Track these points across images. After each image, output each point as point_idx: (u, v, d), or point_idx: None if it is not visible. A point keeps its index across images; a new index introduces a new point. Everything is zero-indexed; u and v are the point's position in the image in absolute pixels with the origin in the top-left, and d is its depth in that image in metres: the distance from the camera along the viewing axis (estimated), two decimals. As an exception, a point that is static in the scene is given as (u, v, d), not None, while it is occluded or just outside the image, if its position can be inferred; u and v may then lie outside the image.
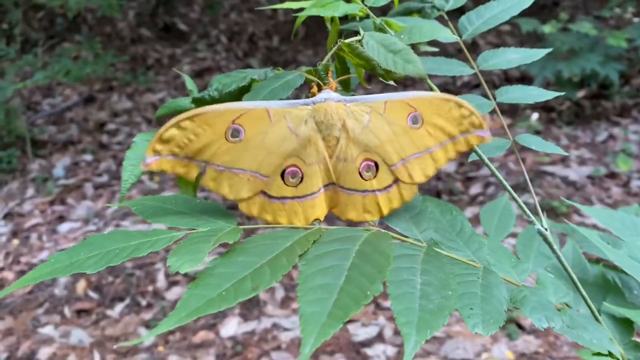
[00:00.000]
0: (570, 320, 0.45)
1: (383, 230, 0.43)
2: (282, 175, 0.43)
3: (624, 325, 0.54)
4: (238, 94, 0.54)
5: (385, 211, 0.44)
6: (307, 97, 0.45)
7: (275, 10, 3.49)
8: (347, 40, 0.45)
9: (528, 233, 0.64)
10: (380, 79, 0.45)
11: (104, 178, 2.59)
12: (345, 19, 0.63)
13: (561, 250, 0.63)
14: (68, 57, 2.85)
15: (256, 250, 0.39)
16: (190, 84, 0.61)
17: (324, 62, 0.45)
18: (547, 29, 2.51)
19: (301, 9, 0.61)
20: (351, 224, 0.45)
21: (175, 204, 0.45)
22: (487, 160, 0.51)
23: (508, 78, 2.85)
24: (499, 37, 3.10)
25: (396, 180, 0.44)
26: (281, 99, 0.48)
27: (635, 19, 2.80)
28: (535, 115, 2.70)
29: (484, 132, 0.44)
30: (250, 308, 1.93)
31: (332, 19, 0.64)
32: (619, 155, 2.50)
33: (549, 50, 0.61)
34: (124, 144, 2.77)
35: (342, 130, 0.43)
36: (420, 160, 0.44)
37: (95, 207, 2.41)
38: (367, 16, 0.62)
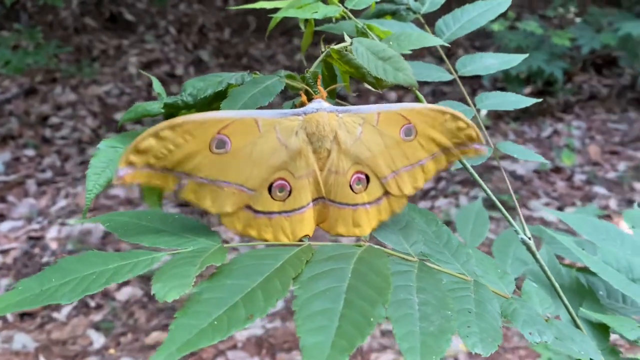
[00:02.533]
0: (557, 332, 0.44)
1: (375, 246, 0.41)
2: (270, 189, 0.40)
3: (600, 330, 0.55)
4: (214, 99, 0.51)
5: (375, 224, 0.42)
6: (295, 106, 0.43)
7: (226, 1, 3.42)
8: (336, 47, 0.43)
9: (504, 238, 0.63)
10: (370, 87, 0.43)
11: (48, 174, 2.47)
12: (320, 19, 0.61)
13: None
14: (6, 46, 2.70)
15: (244, 271, 0.36)
16: (158, 87, 0.57)
17: (312, 69, 0.43)
18: (495, 26, 2.56)
19: (276, 9, 0.58)
20: (339, 239, 0.43)
21: (151, 220, 0.42)
22: (471, 169, 0.50)
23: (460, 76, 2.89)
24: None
25: (386, 193, 0.42)
26: (262, 107, 0.45)
27: (577, 19, 2.89)
28: (484, 112, 2.75)
29: (481, 146, 0.43)
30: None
31: (307, 20, 0.61)
32: (563, 150, 2.58)
33: (526, 55, 0.60)
34: (68, 138, 2.65)
35: (333, 142, 0.40)
36: (411, 173, 0.42)
37: (39, 204, 2.30)
38: (344, 17, 0.60)
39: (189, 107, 0.50)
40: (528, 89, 2.79)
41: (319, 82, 0.42)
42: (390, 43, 0.43)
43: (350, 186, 0.41)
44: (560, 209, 2.37)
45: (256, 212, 0.40)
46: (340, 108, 0.40)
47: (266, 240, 0.41)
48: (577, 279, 0.59)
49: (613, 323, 0.53)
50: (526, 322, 0.43)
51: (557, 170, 2.55)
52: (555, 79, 2.70)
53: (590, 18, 2.79)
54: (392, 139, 0.41)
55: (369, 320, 0.32)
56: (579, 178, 2.50)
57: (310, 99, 0.41)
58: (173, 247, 0.39)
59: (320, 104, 0.40)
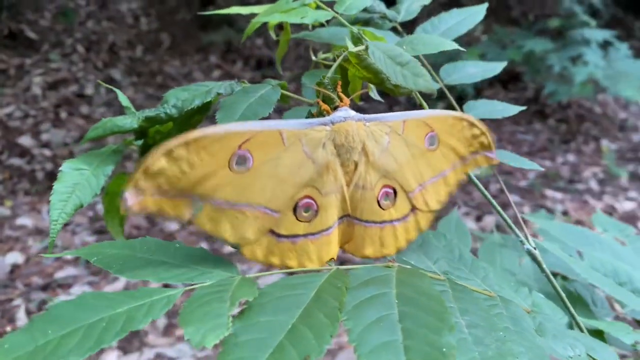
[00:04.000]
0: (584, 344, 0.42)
1: (407, 266, 0.38)
2: (294, 210, 0.35)
3: (595, 337, 0.54)
4: (198, 112, 0.46)
5: (403, 244, 0.39)
6: (313, 115, 0.38)
7: (137, 18, 3.28)
8: (354, 50, 0.39)
9: (487, 249, 0.62)
10: (389, 93, 0.40)
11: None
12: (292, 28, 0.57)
13: (521, 264, 0.62)
14: None
15: (278, 305, 0.31)
16: (124, 100, 0.50)
17: (329, 74, 0.39)
18: (411, 44, 2.63)
19: (254, 15, 0.54)
20: (365, 261, 0.38)
21: (148, 251, 0.36)
22: (475, 180, 0.48)
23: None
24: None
25: (413, 209, 0.39)
26: (263, 118, 0.40)
27: (484, 37, 3.05)
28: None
29: (492, 154, 0.41)
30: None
31: (281, 27, 0.57)
32: (478, 161, 2.68)
33: (505, 63, 0.59)
34: (-35, 165, 2.40)
35: (361, 154, 0.36)
36: (436, 185, 0.39)
37: None
38: (322, 25, 0.56)
39: (174, 120, 0.44)
40: (442, 104, 2.88)
41: (339, 88, 0.38)
42: (404, 47, 0.40)
43: (378, 202, 0.37)
44: (479, 217, 2.46)
45: (279, 236, 0.35)
46: (367, 116, 0.36)
47: (289, 268, 0.36)
48: (565, 288, 0.59)
49: (609, 329, 0.53)
50: (556, 336, 0.41)
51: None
52: (467, 93, 2.82)
53: (496, 36, 2.94)
54: (417, 149, 0.38)
55: (440, 350, 0.28)
56: (493, 187, 2.60)
57: (334, 108, 0.37)
58: (186, 281, 0.33)
59: (348, 112, 0.36)
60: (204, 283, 0.33)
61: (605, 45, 2.79)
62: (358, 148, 0.36)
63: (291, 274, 0.36)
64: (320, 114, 0.38)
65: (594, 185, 2.60)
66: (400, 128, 0.37)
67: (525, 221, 0.51)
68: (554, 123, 3.03)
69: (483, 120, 0.44)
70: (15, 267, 2.00)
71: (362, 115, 0.36)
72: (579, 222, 2.27)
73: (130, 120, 0.46)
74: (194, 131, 0.33)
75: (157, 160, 0.32)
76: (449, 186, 0.40)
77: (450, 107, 0.55)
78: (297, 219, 0.35)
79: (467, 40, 2.97)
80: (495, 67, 0.57)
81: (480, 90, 3.05)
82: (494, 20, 3.06)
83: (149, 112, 0.44)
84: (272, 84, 0.45)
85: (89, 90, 2.79)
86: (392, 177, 0.38)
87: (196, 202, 0.33)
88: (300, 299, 0.32)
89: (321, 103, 0.38)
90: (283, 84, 0.46)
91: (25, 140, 2.55)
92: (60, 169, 0.45)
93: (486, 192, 0.48)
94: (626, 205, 2.45)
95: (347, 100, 0.37)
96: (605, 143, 2.91)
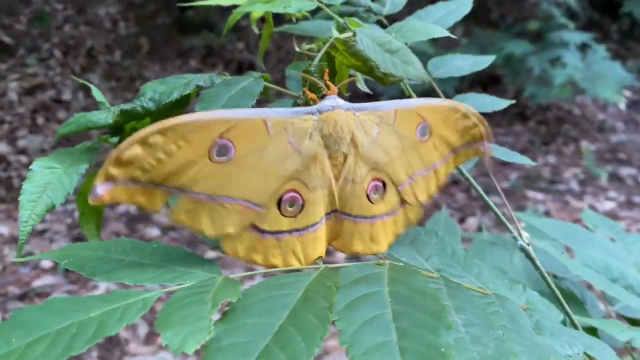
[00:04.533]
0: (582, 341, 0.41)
1: (399, 263, 0.36)
2: (279, 204, 0.33)
3: (590, 335, 0.53)
4: (176, 105, 0.43)
5: (391, 239, 0.37)
6: (298, 104, 0.36)
7: (115, 23, 3.23)
8: (341, 36, 0.37)
9: (477, 248, 0.61)
10: (379, 82, 0.38)
11: None
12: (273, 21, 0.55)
13: (512, 262, 0.60)
14: None
15: (263, 306, 0.29)
16: (98, 95, 0.48)
17: (315, 62, 0.37)
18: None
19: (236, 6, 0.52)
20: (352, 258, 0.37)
21: (123, 252, 0.34)
22: (467, 174, 0.46)
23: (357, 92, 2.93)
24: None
25: (402, 202, 0.37)
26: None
27: (463, 40, 3.05)
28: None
29: (486, 146, 0.39)
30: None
31: (263, 21, 0.55)
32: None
33: (493, 57, 0.58)
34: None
35: (350, 146, 0.34)
36: (426, 178, 0.38)
37: None
38: (306, 18, 0.55)
39: (152, 114, 0.41)
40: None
41: (326, 76, 0.36)
42: (393, 35, 0.38)
43: (367, 196, 0.35)
44: (462, 219, 2.45)
45: (263, 232, 0.33)
46: (356, 105, 0.35)
47: (274, 267, 0.34)
48: (558, 286, 0.58)
49: (603, 326, 0.51)
50: (554, 334, 0.39)
51: (456, 183, 2.64)
52: (448, 96, 2.82)
53: (475, 39, 2.95)
54: (408, 140, 0.36)
55: (438, 350, 0.26)
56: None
57: (321, 96, 0.35)
58: (164, 283, 0.31)
59: (336, 101, 0.34)
60: (183, 284, 0.31)
61: (583, 47, 2.82)
62: (347, 139, 0.34)
63: (275, 274, 0.34)
64: (307, 103, 0.36)
65: (574, 185, 2.62)
66: (391, 118, 0.35)
67: (513, 220, 0.49)
68: (534, 125, 3.05)
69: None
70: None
71: (351, 104, 0.35)
72: (561, 223, 2.28)
73: (105, 116, 0.44)
74: (172, 119, 0.31)
75: (131, 147, 0.30)
76: (440, 179, 0.38)
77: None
78: (282, 214, 0.33)
79: (446, 43, 2.98)
80: (484, 61, 0.56)
81: (460, 91, 3.05)
82: (474, 23, 3.08)
83: (125, 106, 0.42)
84: (255, 76, 0.43)
85: (67, 96, 2.74)
86: (381, 170, 0.36)
87: (173, 193, 0.31)
88: (287, 300, 0.30)
89: (307, 92, 0.36)
90: (265, 76, 0.44)
91: (1, 147, 2.49)
92: (30, 167, 0.43)
93: (478, 187, 0.46)
94: (606, 205, 2.47)
95: (334, 89, 0.35)
96: (584, 144, 2.94)
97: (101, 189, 0.30)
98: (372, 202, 0.36)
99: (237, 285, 0.30)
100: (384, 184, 0.36)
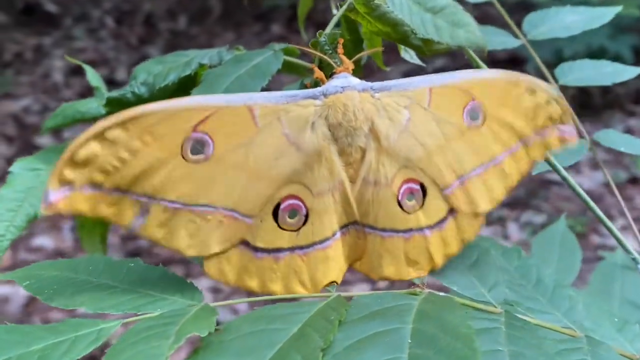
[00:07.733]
0: None
1: (438, 293, 0.36)
2: (275, 214, 0.35)
3: None
4: (179, 90, 0.46)
5: (439, 260, 0.37)
6: (305, 86, 0.38)
7: (179, -19, 3.40)
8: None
9: (603, 273, 0.59)
10: (417, 53, 0.38)
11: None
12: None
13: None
14: None
15: (243, 344, 0.31)
16: (94, 78, 0.52)
17: (328, 30, 0.38)
18: (539, -6, 2.54)
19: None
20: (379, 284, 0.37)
21: (93, 272, 0.37)
22: (563, 172, 0.45)
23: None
24: (477, 8, 3.12)
25: (451, 211, 0.37)
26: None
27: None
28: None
29: (568, 129, 0.38)
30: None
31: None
32: (641, 153, 2.54)
33: (619, 9, 0.56)
34: (-26, 172, 2.59)
35: (369, 138, 0.35)
36: (484, 177, 0.37)
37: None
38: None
39: (145, 102, 0.45)
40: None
41: (340, 47, 0.37)
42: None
43: (399, 202, 0.36)
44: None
45: (256, 250, 0.35)
46: (376, 85, 0.35)
47: (273, 293, 0.35)
48: None
49: None
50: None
51: (635, 181, 2.51)
52: (623, 59, 2.68)
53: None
54: (453, 126, 0.36)
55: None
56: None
57: (330, 74, 0.36)
58: (130, 310, 0.33)
59: (348, 80, 0.35)
60: (152, 313, 0.33)
61: None
62: (364, 129, 0.35)
63: (278, 302, 0.36)
64: (316, 84, 0.37)
65: None
66: (425, 99, 0.35)
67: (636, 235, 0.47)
68: None
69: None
70: (32, 299, 2.12)
71: (369, 84, 0.35)
72: None
73: (97, 105, 0.48)
74: (134, 108, 0.33)
75: (87, 143, 0.33)
76: (508, 178, 0.38)
77: (536, 72, 0.52)
78: (280, 227, 0.35)
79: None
80: (605, 14, 0.54)
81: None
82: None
83: (113, 93, 0.45)
84: (275, 49, 0.45)
85: (121, 74, 2.93)
86: (417, 168, 0.36)
87: (141, 200, 0.33)
88: (276, 336, 0.31)
89: (317, 70, 0.37)
90: (290, 48, 0.45)
91: (45, 140, 2.71)
92: (10, 169, 0.47)
93: (580, 190, 0.45)
94: None
95: (349, 64, 0.36)
96: None
97: (54, 196, 0.32)
98: (406, 211, 0.36)
99: (213, 315, 0.32)
100: (423, 187, 0.36)
